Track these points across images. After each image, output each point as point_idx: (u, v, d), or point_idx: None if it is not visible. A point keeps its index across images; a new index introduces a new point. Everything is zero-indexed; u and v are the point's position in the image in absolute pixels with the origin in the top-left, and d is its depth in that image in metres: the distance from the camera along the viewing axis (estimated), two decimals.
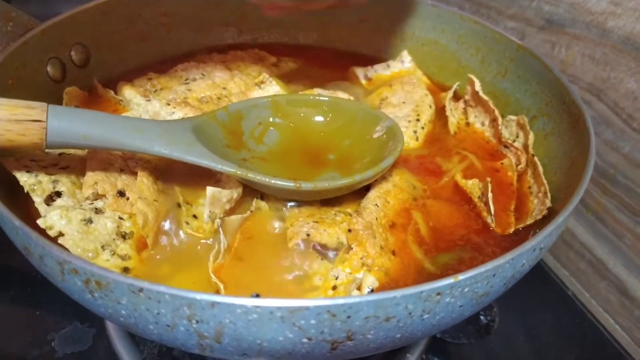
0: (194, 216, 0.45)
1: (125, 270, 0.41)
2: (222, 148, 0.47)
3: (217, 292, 0.40)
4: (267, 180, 0.44)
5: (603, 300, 0.68)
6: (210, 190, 0.44)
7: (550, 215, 0.47)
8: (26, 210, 0.43)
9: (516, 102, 0.60)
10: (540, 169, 0.52)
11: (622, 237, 0.65)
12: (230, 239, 0.44)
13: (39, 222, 0.39)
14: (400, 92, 0.63)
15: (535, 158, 0.53)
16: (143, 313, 0.31)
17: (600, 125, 0.65)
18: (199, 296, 0.29)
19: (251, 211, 0.46)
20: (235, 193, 0.46)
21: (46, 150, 0.42)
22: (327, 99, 0.55)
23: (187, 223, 0.44)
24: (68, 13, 0.57)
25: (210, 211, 0.44)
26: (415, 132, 0.58)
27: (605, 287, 0.67)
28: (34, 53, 0.53)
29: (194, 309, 0.30)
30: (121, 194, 0.43)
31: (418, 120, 0.59)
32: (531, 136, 0.55)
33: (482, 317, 0.60)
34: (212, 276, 0.40)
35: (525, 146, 0.55)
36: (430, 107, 0.62)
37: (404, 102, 0.62)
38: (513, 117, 0.59)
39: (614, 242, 0.66)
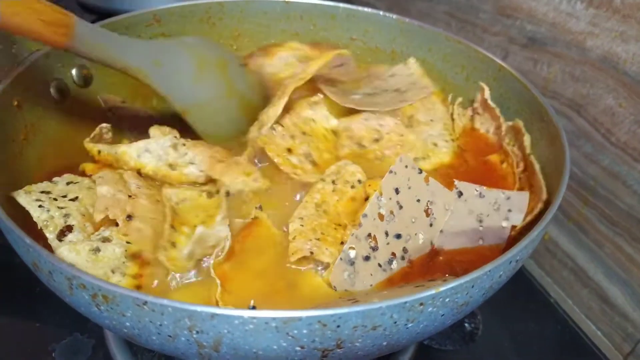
0: (173, 244, 0.46)
1: (138, 288, 0.43)
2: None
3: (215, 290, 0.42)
4: None
5: (585, 307, 0.70)
6: (199, 229, 0.44)
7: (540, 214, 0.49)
8: (31, 224, 0.45)
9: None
10: (537, 166, 0.53)
11: (602, 246, 0.67)
12: (234, 240, 0.47)
13: None
14: (423, 109, 0.65)
15: (532, 157, 0.55)
16: (146, 324, 0.34)
17: (580, 139, 0.68)
18: (199, 308, 0.32)
19: (252, 218, 0.49)
20: (223, 242, 0.46)
21: (68, 49, 0.49)
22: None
23: (165, 249, 0.45)
24: None
25: (191, 249, 0.44)
26: (459, 146, 0.61)
27: (587, 294, 0.70)
28: (39, 75, 0.56)
29: (194, 320, 0.32)
30: (130, 217, 0.45)
31: (452, 138, 0.62)
32: (527, 137, 0.57)
33: (466, 325, 0.63)
34: (212, 271, 0.43)
35: (522, 147, 0.57)
36: (454, 121, 0.65)
37: (432, 120, 0.63)
38: (509, 123, 0.61)
39: (594, 251, 0.69)
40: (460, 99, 0.67)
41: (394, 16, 0.73)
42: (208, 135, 0.58)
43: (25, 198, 0.45)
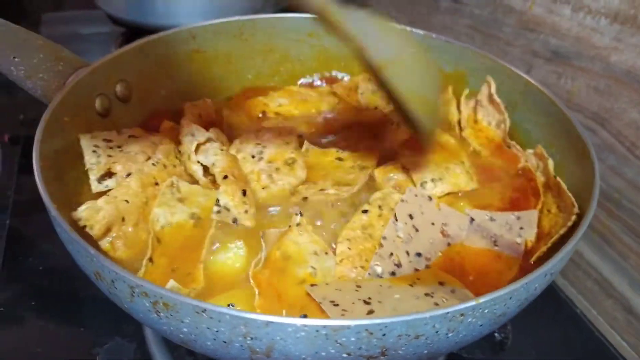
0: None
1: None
2: None
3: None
4: None
5: (610, 317, 0.71)
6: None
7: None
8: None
9: (526, 133, 0.65)
10: (564, 185, 0.55)
11: (627, 258, 0.68)
12: (270, 249, 0.49)
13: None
14: None
15: (558, 178, 0.57)
16: (203, 331, 0.36)
17: (604, 152, 0.69)
18: (255, 316, 0.34)
19: (290, 226, 0.50)
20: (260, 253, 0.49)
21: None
22: None
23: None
24: (113, 53, 0.63)
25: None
26: (467, 172, 0.62)
27: (612, 305, 0.71)
28: (85, 91, 0.58)
29: (249, 328, 0.34)
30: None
31: (463, 163, 0.63)
32: (550, 162, 0.60)
33: (496, 334, 0.64)
34: (251, 280, 0.45)
35: (547, 171, 0.59)
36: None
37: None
38: (530, 151, 0.64)
39: (619, 263, 0.69)
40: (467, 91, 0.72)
41: (421, 32, 0.75)
42: (407, 92, 0.53)
43: (86, 141, 0.54)
